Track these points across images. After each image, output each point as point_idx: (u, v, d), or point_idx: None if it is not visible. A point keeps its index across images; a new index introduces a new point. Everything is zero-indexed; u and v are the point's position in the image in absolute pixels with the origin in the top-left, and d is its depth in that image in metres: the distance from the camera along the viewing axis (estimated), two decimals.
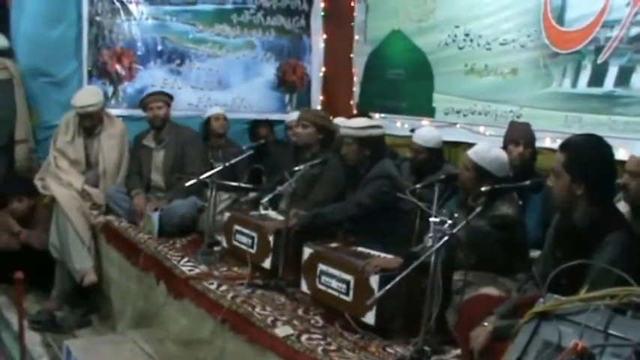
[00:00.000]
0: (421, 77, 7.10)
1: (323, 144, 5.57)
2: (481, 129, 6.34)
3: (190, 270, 5.16)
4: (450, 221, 3.52)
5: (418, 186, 4.95)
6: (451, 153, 6.29)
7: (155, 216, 6.00)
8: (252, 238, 5.10)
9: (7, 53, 7.09)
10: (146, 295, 5.51)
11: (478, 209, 3.72)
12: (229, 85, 8.13)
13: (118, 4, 7.46)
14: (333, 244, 4.56)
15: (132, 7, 7.54)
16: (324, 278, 4.29)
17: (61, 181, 6.47)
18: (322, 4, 8.51)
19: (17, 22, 7.20)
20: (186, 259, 5.40)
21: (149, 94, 6.77)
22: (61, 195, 6.28)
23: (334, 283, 4.19)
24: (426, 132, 5.84)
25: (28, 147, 7.11)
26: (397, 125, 7.27)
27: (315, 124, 5.57)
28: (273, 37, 8.34)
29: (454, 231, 3.50)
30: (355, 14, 8.11)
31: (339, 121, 6.03)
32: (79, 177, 6.58)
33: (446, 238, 3.48)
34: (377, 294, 3.68)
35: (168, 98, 6.68)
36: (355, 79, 8.16)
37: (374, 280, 3.92)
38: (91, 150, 6.69)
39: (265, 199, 5.15)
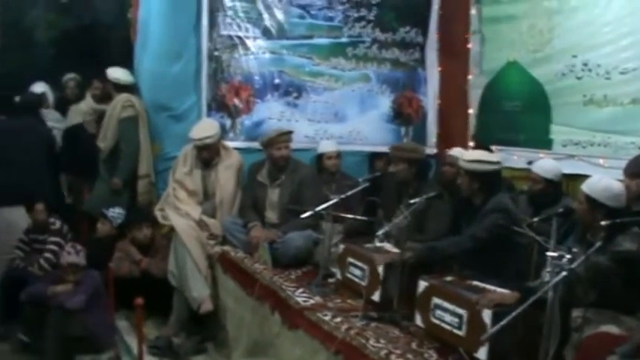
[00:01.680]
0: (538, 109, 6.97)
1: (420, 176, 5.56)
2: (600, 161, 6.18)
3: (305, 301, 5.19)
4: (568, 256, 3.45)
5: (535, 219, 4.87)
6: (569, 186, 6.12)
7: (268, 247, 6.07)
8: (364, 270, 5.08)
9: (132, 89, 7.38)
10: (261, 325, 5.56)
11: (598, 244, 3.64)
12: (345, 117, 8.17)
13: (236, 40, 7.62)
14: (449, 278, 4.50)
15: (249, 42, 7.68)
16: (437, 312, 4.24)
17: (180, 212, 6.65)
18: (437, 37, 8.50)
19: (140, 58, 7.52)
20: (301, 290, 5.43)
21: (280, 133, 6.69)
22: (180, 225, 6.44)
23: (447, 317, 4.14)
24: (546, 163, 5.82)
25: (150, 181, 7.39)
26: (514, 158, 7.14)
27: (402, 159, 5.58)
28: (388, 70, 8.35)
29: (573, 266, 3.42)
30: (470, 46, 8.04)
31: (455, 151, 6.00)
32: (196, 207, 6.74)
33: (564, 273, 3.40)
34: (490, 330, 3.63)
35: (291, 136, 6.73)
36: (471, 111, 8.06)
37: (487, 315, 3.85)
38: (209, 181, 6.86)
39: (381, 232, 5.13)
